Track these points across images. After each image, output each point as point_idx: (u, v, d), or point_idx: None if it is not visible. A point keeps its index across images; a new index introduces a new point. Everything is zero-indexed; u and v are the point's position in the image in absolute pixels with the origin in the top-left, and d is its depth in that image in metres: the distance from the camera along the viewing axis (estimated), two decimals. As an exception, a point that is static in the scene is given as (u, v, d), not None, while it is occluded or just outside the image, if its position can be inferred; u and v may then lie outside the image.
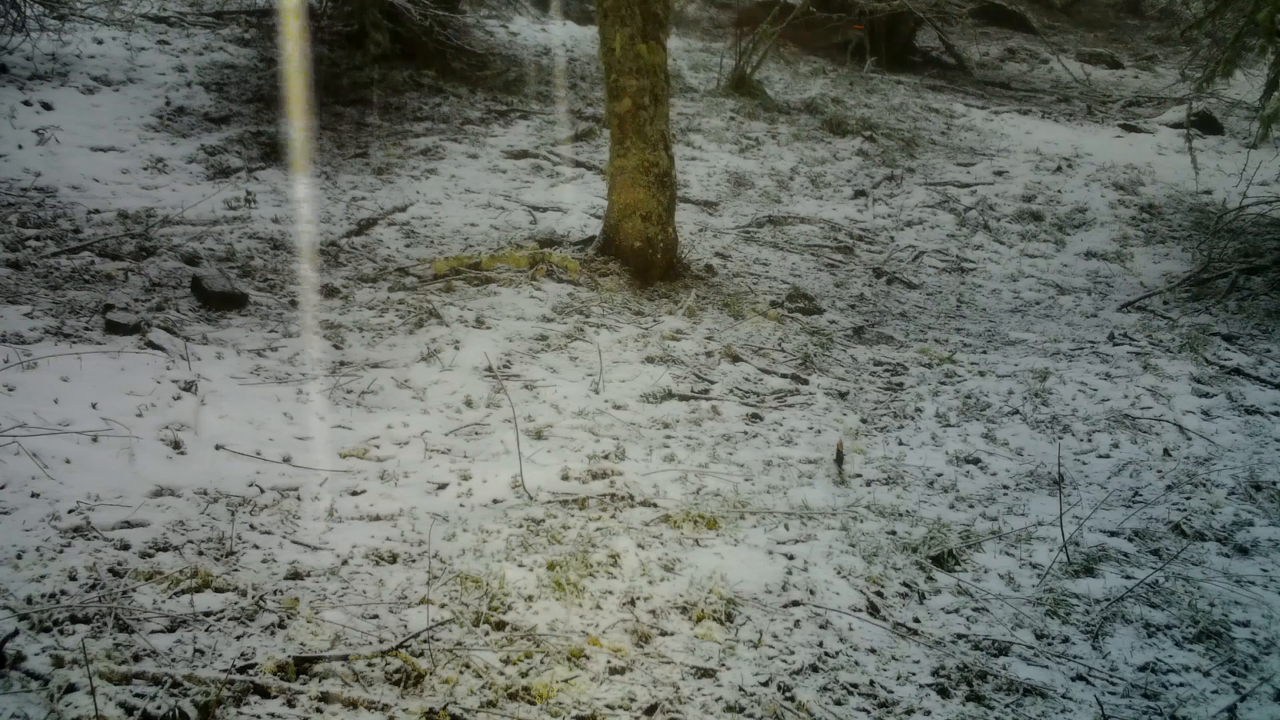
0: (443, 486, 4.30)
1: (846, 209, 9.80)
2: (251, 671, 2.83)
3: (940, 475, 4.80)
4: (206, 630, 3.04)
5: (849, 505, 4.36)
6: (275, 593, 3.30)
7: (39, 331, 5.21)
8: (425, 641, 3.05)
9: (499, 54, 12.40)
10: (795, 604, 3.51)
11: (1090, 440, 5.25)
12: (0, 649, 2.74)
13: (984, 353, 6.67)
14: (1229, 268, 8.21)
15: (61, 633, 2.94)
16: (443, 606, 3.28)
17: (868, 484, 4.66)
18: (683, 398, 5.49)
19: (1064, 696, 3.13)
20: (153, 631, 3.01)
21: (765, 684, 3.05)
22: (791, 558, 3.82)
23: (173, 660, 2.86)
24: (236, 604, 3.18)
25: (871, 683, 3.12)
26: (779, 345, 6.47)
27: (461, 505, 4.13)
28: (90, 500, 3.76)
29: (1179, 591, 3.74)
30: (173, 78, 9.77)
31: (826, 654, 3.25)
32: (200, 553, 3.52)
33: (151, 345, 5.21)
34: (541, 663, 3.04)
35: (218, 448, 4.38)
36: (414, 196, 8.55)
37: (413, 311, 6.22)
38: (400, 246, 7.53)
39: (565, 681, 2.96)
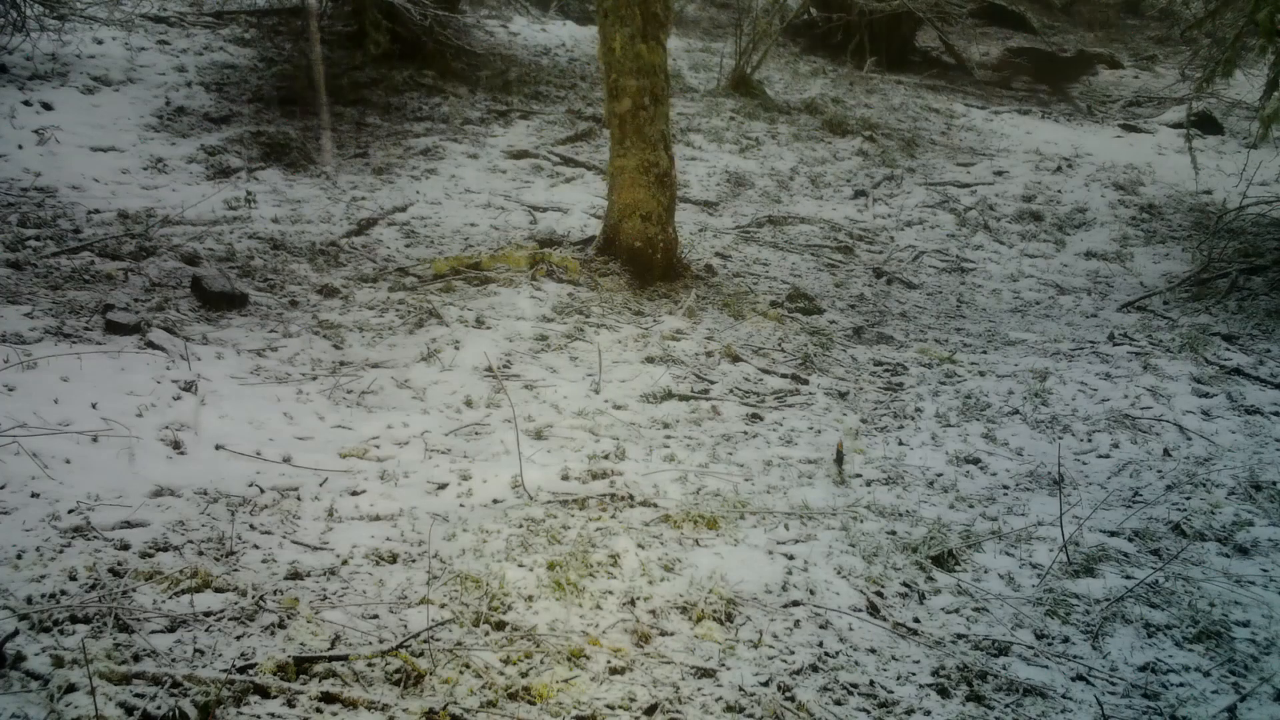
0: (443, 486, 4.30)
1: (846, 209, 9.80)
2: (251, 671, 2.83)
3: (940, 475, 4.80)
4: (206, 630, 3.04)
5: (849, 505, 4.36)
6: (275, 593, 3.29)
7: (39, 331, 5.21)
8: (425, 641, 3.05)
9: (499, 54, 12.40)
10: (795, 604, 3.51)
11: (1090, 440, 5.25)
12: (0, 649, 2.74)
13: (984, 353, 6.67)
14: (1229, 268, 8.21)
15: (61, 633, 2.94)
16: (443, 606, 3.28)
17: (868, 484, 4.66)
18: (683, 398, 5.49)
19: (1064, 696, 3.13)
20: (153, 631, 3.01)
21: (765, 684, 3.05)
22: (791, 558, 3.82)
23: (173, 660, 2.86)
24: (236, 604, 3.18)
25: (871, 683, 3.12)
26: (779, 345, 6.47)
27: (461, 505, 4.13)
28: (90, 500, 3.76)
29: (1179, 591, 3.74)
30: (173, 78, 9.77)
31: (826, 654, 3.25)
32: (200, 553, 3.52)
33: (151, 345, 5.21)
34: (541, 663, 3.04)
35: (218, 448, 4.38)
36: (414, 196, 8.55)
37: (413, 311, 6.21)
38: (400, 246, 7.53)
39: (565, 681, 2.96)
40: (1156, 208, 10.16)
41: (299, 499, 4.06)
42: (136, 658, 2.84)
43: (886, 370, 6.27)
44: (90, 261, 6.34)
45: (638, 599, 3.44)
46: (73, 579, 3.22)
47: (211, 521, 3.75)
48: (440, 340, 5.80)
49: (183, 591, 3.22)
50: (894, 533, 4.10)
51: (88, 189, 7.57)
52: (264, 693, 2.77)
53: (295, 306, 6.20)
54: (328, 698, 2.77)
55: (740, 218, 9.24)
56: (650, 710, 2.88)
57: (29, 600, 3.07)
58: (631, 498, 4.24)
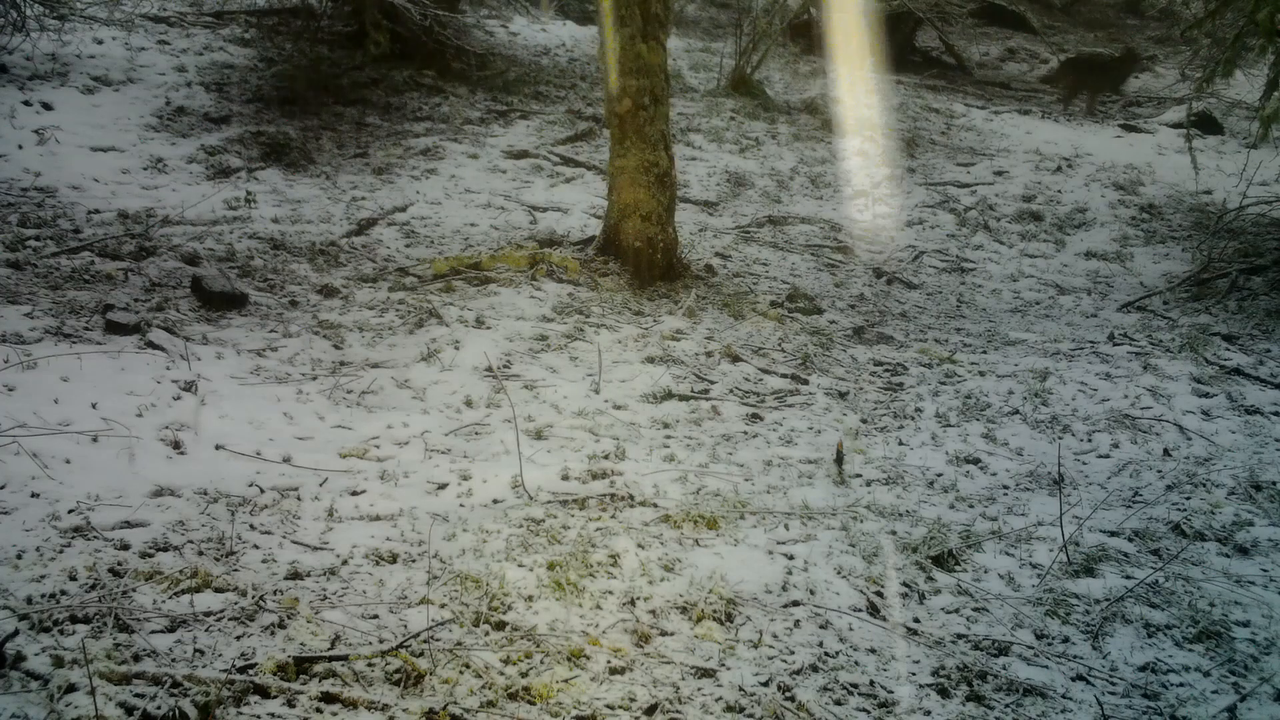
0: (443, 486, 4.30)
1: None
2: (251, 671, 2.83)
3: (940, 475, 4.80)
4: (206, 630, 3.04)
5: (849, 505, 4.36)
6: (275, 593, 3.29)
7: (39, 331, 5.21)
8: (425, 641, 3.05)
9: (499, 54, 12.40)
10: (795, 604, 3.51)
11: (1090, 440, 5.25)
12: (0, 649, 2.74)
13: (984, 353, 6.67)
14: (1229, 268, 8.21)
15: (61, 633, 2.94)
16: (443, 606, 3.28)
17: (868, 484, 4.66)
18: (683, 398, 5.49)
19: (1064, 696, 3.13)
20: (153, 631, 3.01)
21: (765, 684, 3.05)
22: (791, 558, 3.82)
23: (173, 660, 2.86)
24: (236, 604, 3.18)
25: (871, 683, 3.12)
26: (779, 345, 6.47)
27: (461, 505, 4.13)
28: (90, 500, 3.76)
29: (1179, 591, 3.74)
30: (173, 78, 9.77)
31: (826, 654, 3.25)
32: (200, 553, 3.52)
33: (151, 345, 5.21)
34: (541, 663, 3.04)
35: (218, 448, 4.38)
36: (414, 196, 8.55)
37: (413, 311, 6.21)
38: (400, 246, 7.53)
39: (565, 681, 2.96)
40: (1156, 208, 10.16)
41: (299, 499, 4.06)
42: (136, 658, 2.84)
43: (886, 370, 6.27)
44: (90, 261, 6.34)
45: (638, 599, 3.44)
46: (73, 579, 3.22)
47: (211, 521, 3.75)
48: (440, 340, 5.80)
49: (183, 591, 3.22)
50: (894, 533, 4.10)
51: (88, 189, 7.57)
52: (264, 693, 2.77)
53: (295, 306, 6.20)
54: (328, 698, 2.77)
55: (740, 218, 9.24)
56: (650, 710, 2.88)
57: (29, 600, 3.07)
58: (631, 498, 4.24)
